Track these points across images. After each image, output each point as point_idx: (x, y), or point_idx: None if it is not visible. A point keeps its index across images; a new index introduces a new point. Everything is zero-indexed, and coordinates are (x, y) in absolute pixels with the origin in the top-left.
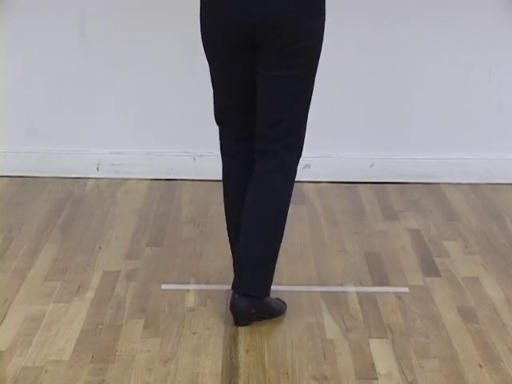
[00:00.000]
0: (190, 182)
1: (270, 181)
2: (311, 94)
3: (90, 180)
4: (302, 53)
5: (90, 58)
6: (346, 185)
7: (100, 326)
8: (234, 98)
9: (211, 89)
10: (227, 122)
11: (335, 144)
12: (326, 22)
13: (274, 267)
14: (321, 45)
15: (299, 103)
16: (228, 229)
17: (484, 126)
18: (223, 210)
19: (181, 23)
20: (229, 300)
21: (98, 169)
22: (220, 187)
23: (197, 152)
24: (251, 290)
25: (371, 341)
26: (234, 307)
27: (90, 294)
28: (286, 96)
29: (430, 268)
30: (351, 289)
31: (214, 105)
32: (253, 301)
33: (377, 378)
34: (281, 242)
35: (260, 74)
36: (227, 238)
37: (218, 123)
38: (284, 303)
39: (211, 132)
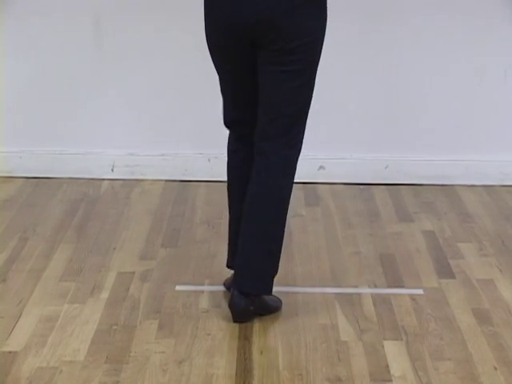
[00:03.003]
0: (204, 183)
1: (270, 179)
2: (312, 91)
3: (105, 181)
4: (300, 49)
5: (105, 59)
6: (361, 186)
7: (114, 327)
8: (239, 98)
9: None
10: (235, 122)
11: (349, 145)
12: (340, 23)
13: (277, 266)
14: (321, 42)
15: (299, 99)
16: (229, 224)
17: (499, 127)
18: None
19: (195, 23)
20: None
21: (112, 170)
22: None
23: (211, 153)
24: (252, 289)
25: (385, 342)
26: (233, 304)
27: (105, 294)
28: (285, 91)
29: (444, 270)
30: (365, 290)
31: (224, 108)
32: (252, 299)
33: (391, 380)
34: (282, 240)
35: (260, 70)
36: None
37: (226, 125)
38: (279, 299)
39: (226, 133)
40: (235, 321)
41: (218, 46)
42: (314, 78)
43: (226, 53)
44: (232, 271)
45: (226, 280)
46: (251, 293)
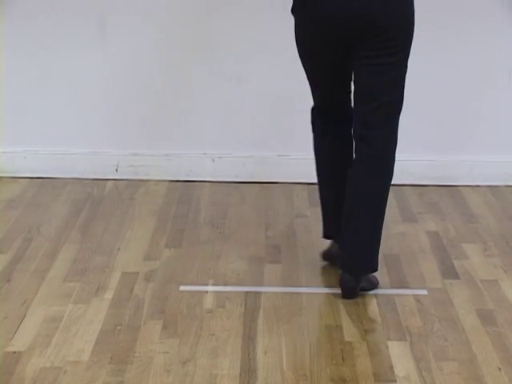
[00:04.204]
0: (208, 184)
1: (369, 168)
2: (405, 80)
3: (109, 181)
4: (400, 42)
5: (109, 60)
6: None
7: (119, 327)
8: (329, 92)
9: (229, 90)
10: (325, 110)
11: None
12: None
13: (379, 244)
14: (413, 30)
15: (397, 88)
16: (324, 199)
17: (503, 127)
18: (241, 211)
19: (200, 24)
20: (246, 301)
21: (116, 170)
22: (238, 188)
23: (215, 153)
24: (363, 271)
25: (390, 343)
26: (343, 284)
27: (109, 294)
28: (385, 81)
29: (448, 270)
30: (370, 291)
31: (314, 96)
32: (361, 277)
33: (395, 381)
34: (383, 221)
35: (358, 63)
36: (247, 238)
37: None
38: (376, 278)
39: (230, 133)
40: (345, 297)
41: (315, 51)
42: (407, 67)
43: (322, 56)
44: (327, 241)
45: (325, 252)
46: (363, 274)
